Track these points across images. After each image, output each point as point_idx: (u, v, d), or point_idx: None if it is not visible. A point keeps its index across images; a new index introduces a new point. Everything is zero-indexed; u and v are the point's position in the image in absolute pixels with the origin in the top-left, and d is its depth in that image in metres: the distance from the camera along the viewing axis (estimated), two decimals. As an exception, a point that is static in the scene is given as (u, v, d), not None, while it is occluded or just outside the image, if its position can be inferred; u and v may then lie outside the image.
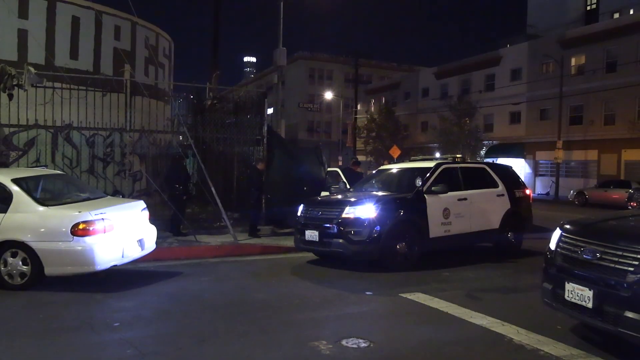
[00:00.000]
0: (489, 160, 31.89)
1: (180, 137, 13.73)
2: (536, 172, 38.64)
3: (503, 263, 9.79)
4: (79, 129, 12.03)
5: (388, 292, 7.40)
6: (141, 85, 11.67)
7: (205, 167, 11.45)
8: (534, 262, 9.52)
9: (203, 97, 15.02)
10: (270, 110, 17.24)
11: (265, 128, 13.40)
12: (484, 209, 10.17)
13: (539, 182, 38.33)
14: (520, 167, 37.45)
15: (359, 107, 49.74)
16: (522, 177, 14.30)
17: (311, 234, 9.11)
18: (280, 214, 12.75)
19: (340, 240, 8.71)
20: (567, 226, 5.49)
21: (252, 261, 9.84)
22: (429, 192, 9.36)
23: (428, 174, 9.68)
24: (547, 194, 35.66)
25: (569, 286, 5.03)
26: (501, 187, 10.61)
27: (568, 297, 5.03)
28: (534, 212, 11.55)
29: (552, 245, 5.50)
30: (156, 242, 8.62)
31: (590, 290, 4.79)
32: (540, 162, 38.22)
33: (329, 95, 55.98)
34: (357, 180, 12.50)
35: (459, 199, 9.76)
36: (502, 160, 32.45)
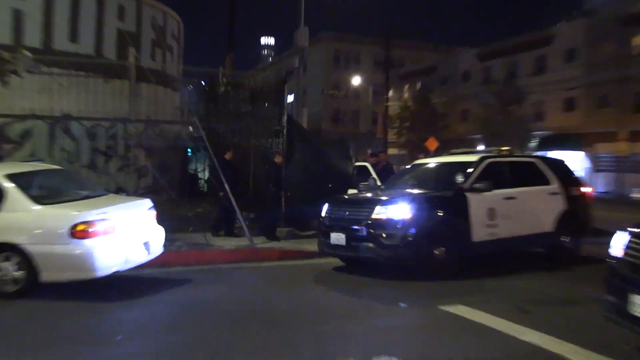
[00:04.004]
0: (540, 153, 31.44)
1: (190, 128, 13.81)
2: (595, 166, 37.91)
3: (557, 271, 9.61)
4: (79, 120, 12.18)
5: (424, 303, 7.33)
6: (147, 71, 11.77)
7: (217, 161, 11.51)
8: (593, 271, 9.30)
9: (216, 83, 15.07)
10: (290, 98, 17.22)
11: (285, 118, 13.40)
12: (534, 209, 10.02)
13: (598, 178, 37.60)
14: (577, 161, 36.76)
15: (390, 93, 49.46)
16: (579, 173, 14.03)
17: (337, 237, 9.07)
18: (301, 214, 12.73)
19: (370, 244, 8.66)
20: (638, 230, 5.32)
21: (270, 267, 9.85)
22: (472, 189, 9.24)
23: (470, 169, 9.57)
24: (607, 192, 34.97)
25: (636, 299, 4.89)
26: (555, 184, 10.42)
27: (635, 311, 4.89)
28: (592, 213, 11.32)
29: (617, 251, 5.35)
30: (164, 246, 8.68)
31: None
32: (600, 155, 37.48)
33: (356, 80, 55.85)
34: (389, 176, 12.41)
35: (506, 198, 9.62)
36: (555, 154, 31.93)
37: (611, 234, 5.66)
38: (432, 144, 36.31)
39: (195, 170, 16.87)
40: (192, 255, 10.10)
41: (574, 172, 11.41)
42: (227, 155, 12.27)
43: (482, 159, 9.90)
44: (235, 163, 12.46)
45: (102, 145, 13.03)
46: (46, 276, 7.16)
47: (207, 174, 12.99)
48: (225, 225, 12.09)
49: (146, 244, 7.95)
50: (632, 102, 34.50)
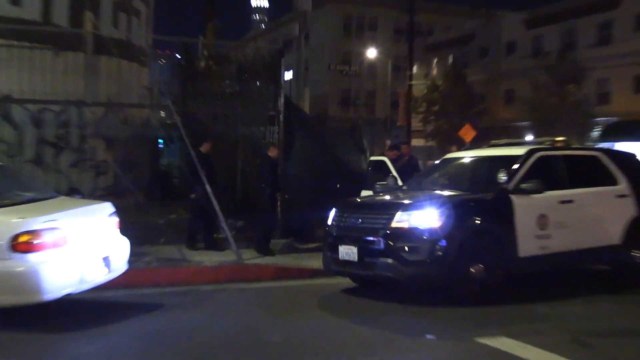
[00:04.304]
0: (605, 145, 31.29)
1: (162, 114, 13.81)
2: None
3: (625, 294, 9.63)
4: (22, 103, 12.17)
5: (458, 335, 7.31)
6: (108, 41, 11.77)
7: (197, 154, 11.49)
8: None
9: (195, 57, 15.07)
10: (288, 75, 17.22)
11: (282, 100, 13.42)
12: (597, 215, 10.01)
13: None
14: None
15: (415, 69, 49.42)
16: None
17: (347, 251, 9.06)
18: (302, 221, 12.77)
19: (389, 260, 8.63)
20: None
21: (263, 289, 9.86)
22: (518, 191, 9.23)
23: (516, 166, 9.56)
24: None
25: None
26: (623, 185, 10.38)
27: None
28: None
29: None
30: (129, 261, 8.67)
31: None
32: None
33: (371, 53, 55.85)
34: (413, 174, 12.37)
35: (562, 202, 9.61)
36: (623, 146, 31.74)
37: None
38: (467, 133, 36.23)
39: (169, 166, 16.89)
40: (164, 274, 10.10)
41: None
42: (204, 148, 12.26)
43: (530, 153, 9.89)
44: (211, 158, 12.42)
45: (51, 135, 13.01)
46: (-20, 300, 7.14)
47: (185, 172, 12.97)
48: (206, 236, 12.08)
49: (106, 260, 7.93)
50: None
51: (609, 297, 9.41)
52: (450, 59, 53.32)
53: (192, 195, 11.77)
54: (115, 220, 8.48)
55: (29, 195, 8.27)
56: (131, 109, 13.60)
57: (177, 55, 14.36)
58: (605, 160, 10.62)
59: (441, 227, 8.59)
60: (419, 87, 48.98)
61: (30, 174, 12.03)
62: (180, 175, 12.65)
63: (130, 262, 8.77)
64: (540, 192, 9.29)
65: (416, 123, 48.08)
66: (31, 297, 7.12)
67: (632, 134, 38.58)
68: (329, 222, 9.68)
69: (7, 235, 7.01)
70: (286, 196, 12.89)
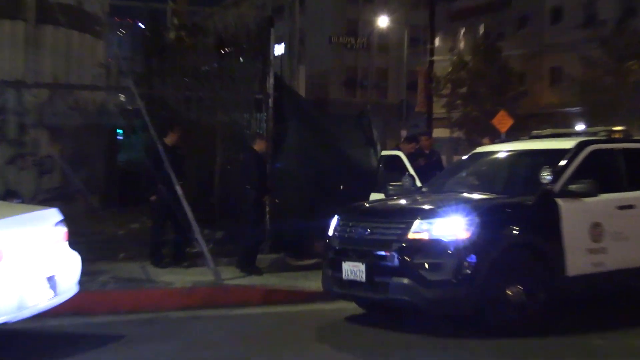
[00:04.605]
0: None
1: (122, 97, 13.81)
2: None
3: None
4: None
5: (491, 374, 7.31)
6: (54, 6, 11.75)
7: (163, 147, 11.51)
8: None
9: (162, 26, 15.08)
10: (279, 49, 17.15)
11: (271, 81, 13.40)
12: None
13: None
14: None
15: (437, 42, 49.46)
16: None
17: (353, 269, 9.04)
18: (296, 231, 12.77)
19: (405, 281, 8.61)
20: None
21: (247, 316, 9.85)
22: (566, 193, 9.23)
23: (564, 162, 9.56)
24: None
25: None
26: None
27: None
28: None
29: None
30: (80, 282, 8.63)
31: None
32: None
33: (383, 21, 55.85)
34: (435, 173, 12.38)
35: (620, 207, 9.63)
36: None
37: None
38: (503, 121, 36.21)
39: (130, 163, 16.88)
40: (124, 298, 10.10)
41: None
42: (170, 139, 12.25)
43: (581, 146, 9.88)
44: (179, 151, 12.39)
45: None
46: None
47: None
48: (177, 250, 12.08)
49: (52, 280, 7.91)
50: None
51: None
52: (482, 29, 53.33)
53: (153, 198, 11.76)
54: (63, 230, 8.42)
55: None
56: (83, 91, 13.59)
57: (140, 24, 14.35)
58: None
59: (470, 239, 8.57)
60: (442, 64, 48.98)
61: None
62: (145, 174, 12.60)
63: (81, 282, 8.70)
64: (593, 194, 9.27)
65: (439, 109, 48.04)
66: (-43, 326, 7.14)
67: None
68: (330, 232, 9.66)
69: None
70: (276, 200, 12.88)
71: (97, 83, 13.80)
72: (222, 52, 14.03)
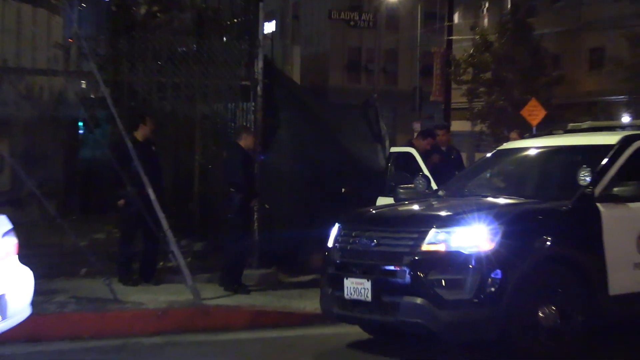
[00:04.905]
0: None
1: (84, 84, 13.83)
2: None
3: None
4: None
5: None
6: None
7: (132, 142, 11.52)
8: None
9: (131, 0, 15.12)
10: (270, 27, 17.19)
11: (260, 64, 13.43)
12: None
13: None
14: None
15: (456, 19, 49.51)
16: None
17: (356, 287, 9.05)
18: (290, 242, 12.79)
19: (418, 300, 8.62)
20: None
21: (232, 342, 9.87)
22: (608, 197, 9.25)
23: (606, 161, 9.58)
24: None
25: None
26: None
27: None
28: None
29: None
30: (34, 303, 8.64)
31: None
32: None
33: (392, -5, 56.01)
34: (454, 173, 12.41)
35: (673, 214, 9.62)
36: None
37: None
38: (534, 112, 36.10)
39: (93, 161, 16.90)
40: (86, 321, 10.10)
41: None
42: (140, 133, 12.27)
43: (627, 141, 9.89)
44: (151, 147, 12.39)
45: None
46: None
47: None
48: (147, 265, 12.08)
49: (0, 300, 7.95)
50: None
51: None
52: (509, 4, 53.37)
53: (120, 202, 11.76)
54: (13, 242, 8.42)
55: None
56: (37, 76, 13.62)
57: (104, -2, 14.39)
58: None
59: (495, 251, 8.55)
60: (462, 44, 49.06)
61: None
62: (111, 175, 12.60)
63: (35, 303, 8.71)
64: (641, 199, 9.35)
65: (458, 98, 48.14)
66: None
67: None
68: (330, 243, 9.67)
69: None
70: (266, 205, 12.91)
71: (54, 67, 13.81)
72: (202, 30, 14.04)
